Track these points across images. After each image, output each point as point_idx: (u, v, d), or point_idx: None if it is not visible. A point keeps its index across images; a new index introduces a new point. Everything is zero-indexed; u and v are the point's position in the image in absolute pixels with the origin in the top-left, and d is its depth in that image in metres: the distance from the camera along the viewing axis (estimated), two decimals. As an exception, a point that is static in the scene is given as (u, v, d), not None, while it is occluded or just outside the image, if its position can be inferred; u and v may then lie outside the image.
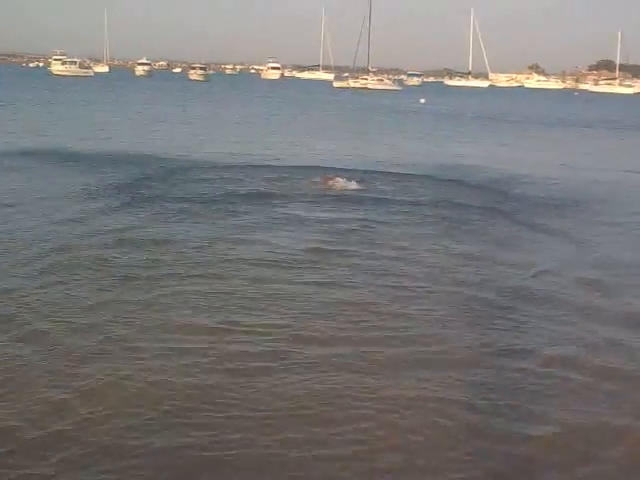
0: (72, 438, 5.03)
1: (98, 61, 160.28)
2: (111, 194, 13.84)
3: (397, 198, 14.72)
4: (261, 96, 69.78)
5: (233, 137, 27.50)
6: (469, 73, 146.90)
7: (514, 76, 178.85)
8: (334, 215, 12.71)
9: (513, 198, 15.34)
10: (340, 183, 15.58)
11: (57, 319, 7.09)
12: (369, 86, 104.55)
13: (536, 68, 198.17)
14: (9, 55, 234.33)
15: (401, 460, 4.97)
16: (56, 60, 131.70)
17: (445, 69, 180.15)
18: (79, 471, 4.69)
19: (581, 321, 7.68)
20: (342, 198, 14.40)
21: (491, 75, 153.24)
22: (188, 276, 8.65)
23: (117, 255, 9.43)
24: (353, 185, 15.64)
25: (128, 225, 11.23)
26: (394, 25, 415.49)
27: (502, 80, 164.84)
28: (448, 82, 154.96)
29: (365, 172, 17.91)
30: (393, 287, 8.58)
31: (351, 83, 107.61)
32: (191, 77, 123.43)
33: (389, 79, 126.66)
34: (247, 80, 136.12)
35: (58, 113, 36.64)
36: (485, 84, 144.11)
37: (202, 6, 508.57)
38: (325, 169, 17.31)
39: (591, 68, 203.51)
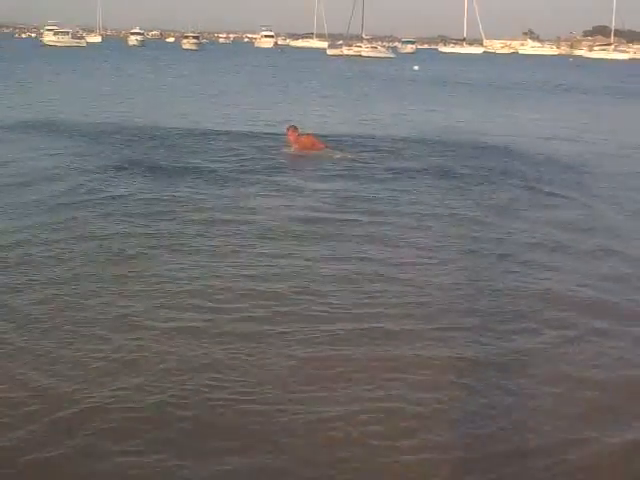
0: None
1: (91, 31, 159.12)
2: (105, 163, 13.95)
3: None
4: (254, 65, 69.41)
5: (231, 106, 27.58)
6: (464, 40, 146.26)
7: (508, 42, 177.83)
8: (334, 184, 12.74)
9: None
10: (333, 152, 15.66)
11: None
12: (363, 54, 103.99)
13: (531, 34, 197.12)
14: (0, 26, 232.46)
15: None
16: (48, 30, 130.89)
17: (440, 36, 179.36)
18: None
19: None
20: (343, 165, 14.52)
21: (485, 42, 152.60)
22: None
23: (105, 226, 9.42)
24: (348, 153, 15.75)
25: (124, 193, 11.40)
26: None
27: (496, 47, 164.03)
28: (442, 49, 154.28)
29: (365, 137, 18.13)
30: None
31: (345, 51, 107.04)
32: (184, 46, 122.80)
33: (383, 46, 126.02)
34: (240, 49, 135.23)
35: (51, 84, 36.71)
36: (479, 50, 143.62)
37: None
38: (326, 137, 17.14)
39: (586, 34, 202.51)
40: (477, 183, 13.02)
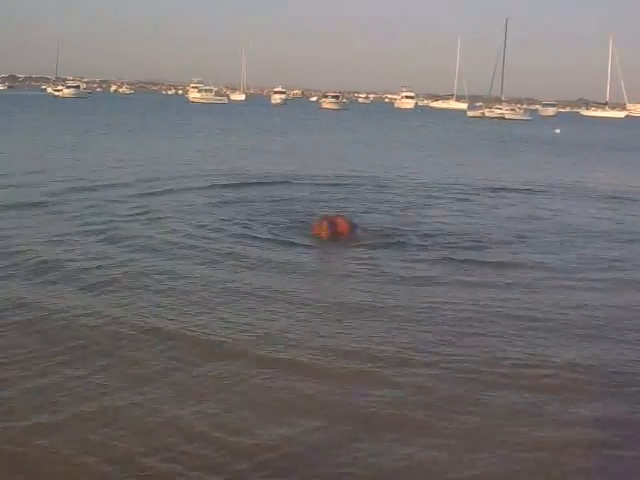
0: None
1: (235, 89, 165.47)
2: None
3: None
4: (396, 125, 70.22)
5: (379, 160, 28.48)
6: (606, 103, 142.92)
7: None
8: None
9: None
10: None
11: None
12: (506, 116, 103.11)
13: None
14: (149, 83, 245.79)
15: None
16: (193, 88, 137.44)
17: (581, 99, 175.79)
18: None
19: None
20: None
21: (628, 105, 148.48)
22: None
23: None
24: None
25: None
26: (529, 55, 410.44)
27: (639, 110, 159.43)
28: (584, 112, 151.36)
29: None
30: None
31: (486, 113, 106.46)
32: (324, 105, 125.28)
33: (521, 109, 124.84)
34: (381, 109, 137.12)
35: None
36: (622, 114, 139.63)
37: (335, 37, 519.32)
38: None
39: None
40: None
